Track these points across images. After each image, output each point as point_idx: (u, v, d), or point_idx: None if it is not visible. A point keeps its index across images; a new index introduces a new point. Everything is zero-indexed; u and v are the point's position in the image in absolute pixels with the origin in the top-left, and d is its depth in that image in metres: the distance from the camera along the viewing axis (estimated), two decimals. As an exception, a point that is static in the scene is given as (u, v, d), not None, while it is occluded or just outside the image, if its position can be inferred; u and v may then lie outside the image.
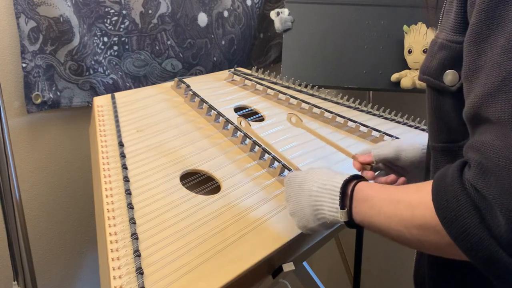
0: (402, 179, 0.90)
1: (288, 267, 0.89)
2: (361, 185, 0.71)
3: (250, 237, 0.85)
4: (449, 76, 0.63)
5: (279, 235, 0.86)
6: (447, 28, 0.63)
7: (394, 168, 0.93)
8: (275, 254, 0.84)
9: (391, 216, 0.63)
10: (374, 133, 1.21)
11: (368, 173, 0.92)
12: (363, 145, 1.18)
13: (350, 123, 1.24)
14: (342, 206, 0.71)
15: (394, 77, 1.44)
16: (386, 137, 1.19)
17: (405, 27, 1.42)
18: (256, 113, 1.26)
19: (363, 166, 0.92)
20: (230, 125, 1.14)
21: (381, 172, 0.94)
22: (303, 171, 0.83)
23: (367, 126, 1.23)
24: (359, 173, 0.93)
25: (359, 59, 1.48)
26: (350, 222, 0.71)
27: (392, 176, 0.89)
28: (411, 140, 0.93)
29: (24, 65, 1.24)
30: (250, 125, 0.95)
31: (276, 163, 1.02)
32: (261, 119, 1.25)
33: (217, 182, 0.99)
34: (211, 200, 0.93)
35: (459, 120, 0.62)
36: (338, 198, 0.71)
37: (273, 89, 1.36)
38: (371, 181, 0.74)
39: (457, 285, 0.69)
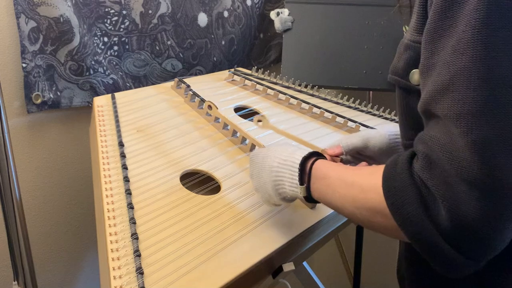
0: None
1: (288, 267, 0.89)
2: (319, 162, 0.74)
3: (250, 237, 0.85)
4: (415, 76, 0.64)
5: (279, 235, 0.86)
6: (412, 28, 0.65)
7: (363, 159, 0.95)
8: (275, 254, 0.84)
9: (344, 197, 0.67)
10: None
11: None
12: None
13: (350, 123, 1.24)
14: (301, 182, 0.75)
15: (394, 77, 1.44)
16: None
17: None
18: (256, 113, 1.26)
19: (333, 158, 0.94)
20: (230, 125, 1.14)
21: (352, 164, 0.95)
22: (265, 148, 0.86)
23: (367, 126, 1.23)
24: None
25: (359, 59, 1.48)
26: (309, 197, 0.75)
27: (364, 163, 0.91)
28: (379, 128, 0.96)
29: (24, 65, 1.24)
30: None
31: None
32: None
33: (217, 182, 0.99)
34: (211, 200, 0.93)
35: None
36: (297, 174, 0.75)
37: (273, 89, 1.36)
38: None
39: (432, 283, 0.71)
